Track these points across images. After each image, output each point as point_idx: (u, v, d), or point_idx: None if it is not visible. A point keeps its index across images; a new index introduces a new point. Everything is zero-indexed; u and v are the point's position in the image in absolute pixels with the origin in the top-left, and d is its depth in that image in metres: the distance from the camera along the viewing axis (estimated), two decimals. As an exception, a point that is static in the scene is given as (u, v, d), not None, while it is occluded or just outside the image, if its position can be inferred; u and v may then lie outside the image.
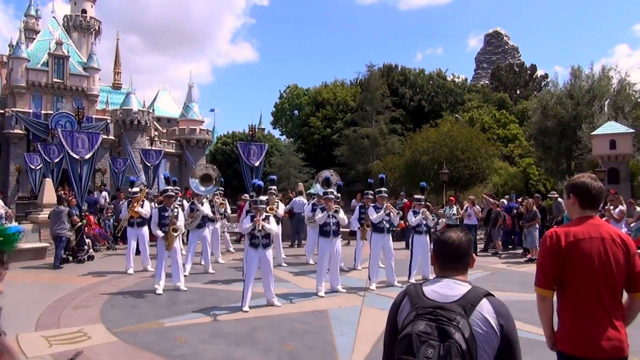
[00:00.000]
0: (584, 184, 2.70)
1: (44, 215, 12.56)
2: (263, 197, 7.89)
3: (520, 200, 16.10)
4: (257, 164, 17.64)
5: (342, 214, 8.67)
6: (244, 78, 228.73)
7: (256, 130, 28.28)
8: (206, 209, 10.58)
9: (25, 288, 8.54)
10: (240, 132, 55.47)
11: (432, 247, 2.16)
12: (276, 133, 64.77)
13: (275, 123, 64.30)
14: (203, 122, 52.57)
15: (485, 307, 1.86)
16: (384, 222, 9.12)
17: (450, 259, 2.02)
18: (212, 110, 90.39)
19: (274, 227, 7.68)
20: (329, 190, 9.38)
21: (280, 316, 6.91)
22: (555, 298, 2.71)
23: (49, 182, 13.69)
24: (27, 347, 5.41)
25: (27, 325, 6.30)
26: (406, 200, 16.09)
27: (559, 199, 14.16)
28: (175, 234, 8.52)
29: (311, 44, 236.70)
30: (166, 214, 8.57)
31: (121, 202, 16.29)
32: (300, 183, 19.25)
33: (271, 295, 7.47)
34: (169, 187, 9.28)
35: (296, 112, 61.19)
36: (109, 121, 43.63)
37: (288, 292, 8.42)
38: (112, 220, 15.90)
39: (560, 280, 2.62)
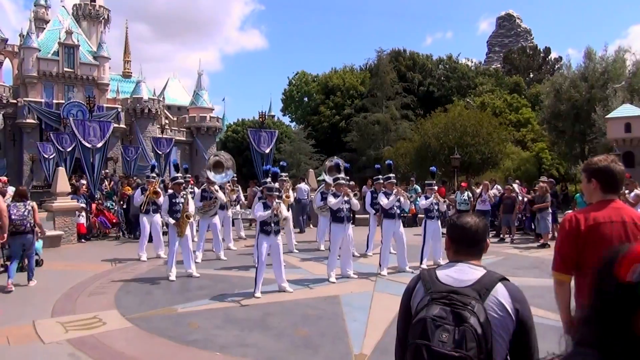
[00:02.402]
0: (607, 168, 2.64)
1: (58, 203, 12.69)
2: (276, 185, 7.93)
3: (534, 183, 16.01)
4: (267, 150, 17.66)
5: (354, 199, 8.69)
6: (253, 65, 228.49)
7: (266, 117, 28.28)
8: (221, 195, 10.63)
9: (41, 275, 8.66)
10: (250, 120, 55.49)
11: (445, 232, 2.13)
12: (286, 120, 64.68)
13: (285, 110, 64.18)
14: (213, 109, 52.68)
15: (500, 292, 1.84)
16: (395, 208, 9.08)
17: (467, 244, 2.00)
18: (224, 99, 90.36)
19: (287, 213, 7.75)
20: (340, 176, 9.34)
21: (292, 302, 6.94)
22: (572, 283, 2.67)
23: (62, 171, 13.81)
24: (44, 333, 5.50)
25: (44, 311, 6.40)
26: (442, 187, 16.15)
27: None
28: (188, 220, 8.59)
29: (320, 30, 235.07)
30: (176, 201, 8.62)
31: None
32: (311, 170, 19.22)
33: (282, 281, 7.50)
34: (179, 175, 9.36)
35: (305, 98, 61.00)
36: (119, 110, 43.87)
37: (299, 278, 8.45)
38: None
39: (578, 265, 2.58)
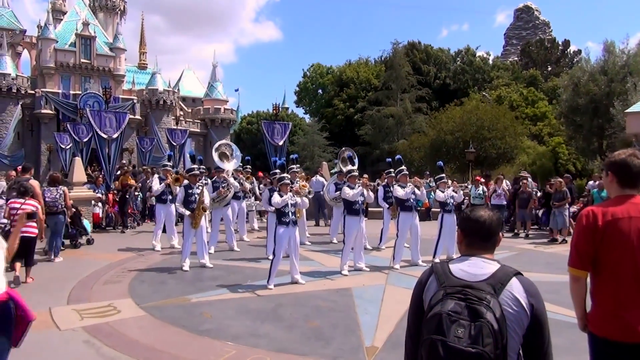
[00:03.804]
0: (623, 161, 2.58)
1: (74, 193, 12.84)
2: (286, 175, 7.95)
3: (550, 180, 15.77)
4: (281, 143, 17.66)
5: (370, 192, 8.67)
6: (267, 57, 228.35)
7: (280, 109, 28.26)
8: (233, 180, 10.62)
9: (57, 263, 8.82)
10: (265, 112, 55.57)
11: (458, 226, 2.11)
12: (300, 112, 64.62)
13: (299, 102, 64.12)
14: (227, 101, 52.79)
15: (515, 287, 1.83)
16: (412, 201, 9.01)
17: (481, 237, 1.98)
18: (237, 90, 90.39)
19: (306, 200, 7.78)
20: (353, 168, 9.27)
21: (305, 294, 6.97)
22: (588, 279, 2.63)
23: (78, 161, 13.99)
24: (60, 320, 5.59)
25: (60, 299, 6.50)
26: (478, 176, 16.01)
27: (529, 179, 14.73)
28: (204, 212, 8.65)
29: (335, 21, 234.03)
30: (191, 192, 8.64)
31: (148, 180, 16.61)
32: (324, 162, 19.20)
33: (296, 272, 7.52)
34: (195, 166, 9.36)
35: (320, 91, 60.86)
36: (135, 101, 44.19)
37: (312, 270, 8.47)
38: (139, 199, 16.16)
39: (595, 261, 2.53)
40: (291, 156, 12.11)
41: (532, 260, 9.87)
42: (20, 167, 13.91)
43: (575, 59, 57.88)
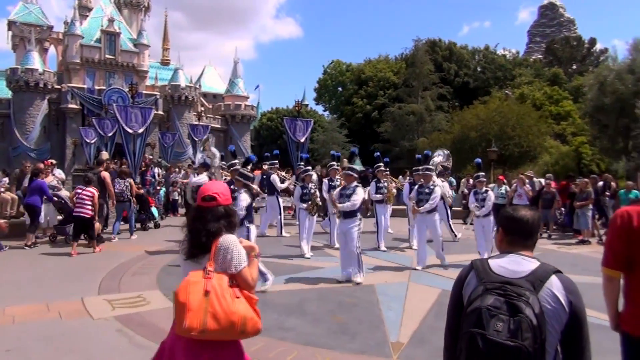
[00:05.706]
0: None
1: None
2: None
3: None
4: (302, 139, 17.75)
5: (355, 196, 7.48)
6: (287, 54, 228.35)
7: (301, 106, 28.32)
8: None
9: (87, 255, 9.07)
10: (284, 108, 55.76)
11: (495, 225, 2.15)
12: (319, 109, 64.65)
13: (319, 99, 64.15)
14: (248, 97, 53.05)
15: (554, 284, 1.88)
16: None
17: (524, 236, 2.05)
18: (257, 87, 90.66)
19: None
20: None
21: (328, 289, 7.04)
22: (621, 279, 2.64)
23: (105, 155, 14.28)
24: (93, 310, 5.77)
25: (91, 289, 6.70)
26: (501, 176, 15.78)
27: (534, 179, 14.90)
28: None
29: (355, 18, 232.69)
30: (305, 191, 9.62)
31: (171, 175, 16.88)
32: (345, 159, 19.22)
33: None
34: (309, 167, 10.52)
35: (340, 88, 60.79)
36: (158, 97, 44.73)
37: (335, 266, 8.54)
38: (162, 193, 16.44)
39: (629, 261, 2.55)
40: (331, 152, 12.39)
41: (556, 261, 9.64)
42: (49, 160, 14.30)
43: (601, 58, 56.70)
